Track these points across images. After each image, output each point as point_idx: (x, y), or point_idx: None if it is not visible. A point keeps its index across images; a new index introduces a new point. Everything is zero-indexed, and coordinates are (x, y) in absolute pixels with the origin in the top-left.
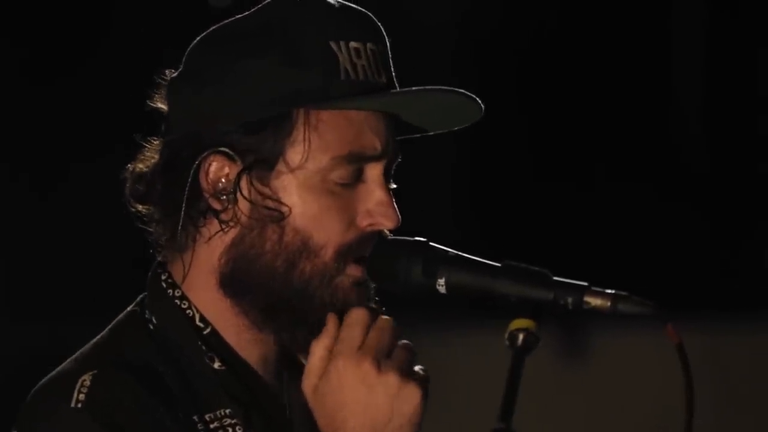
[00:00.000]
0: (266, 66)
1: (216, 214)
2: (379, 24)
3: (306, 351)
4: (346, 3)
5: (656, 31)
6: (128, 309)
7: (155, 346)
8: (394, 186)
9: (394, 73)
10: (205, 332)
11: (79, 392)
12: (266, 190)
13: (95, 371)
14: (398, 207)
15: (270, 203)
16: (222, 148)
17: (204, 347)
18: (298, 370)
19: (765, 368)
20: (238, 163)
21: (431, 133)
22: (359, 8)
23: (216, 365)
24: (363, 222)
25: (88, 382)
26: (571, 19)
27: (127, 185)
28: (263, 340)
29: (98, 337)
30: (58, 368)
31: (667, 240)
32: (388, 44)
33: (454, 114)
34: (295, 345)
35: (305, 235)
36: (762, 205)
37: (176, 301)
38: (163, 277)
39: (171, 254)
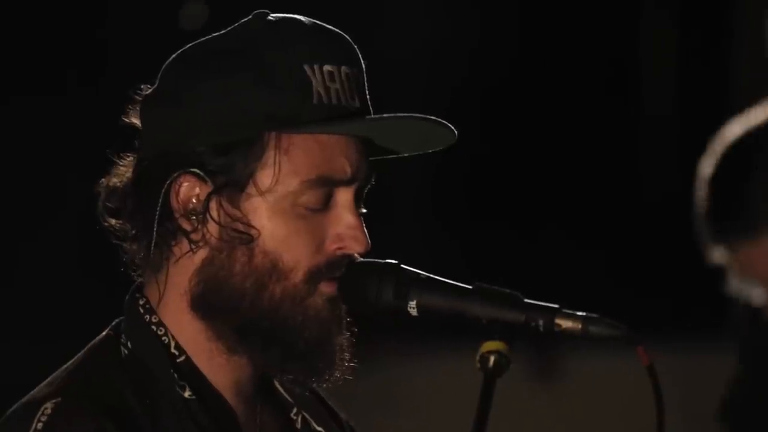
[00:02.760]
0: (239, 87)
1: (186, 234)
2: (355, 47)
3: (280, 373)
4: (322, 24)
5: (626, 74)
6: (103, 333)
7: (127, 373)
8: (365, 210)
9: (368, 96)
10: (179, 360)
11: (38, 421)
12: (236, 212)
13: (59, 399)
14: (369, 230)
15: (239, 226)
16: (193, 169)
17: (176, 375)
18: (272, 392)
19: None
20: (209, 183)
21: (405, 155)
22: (335, 30)
23: (186, 394)
24: (332, 246)
25: (49, 411)
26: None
27: (101, 200)
28: (236, 364)
29: (70, 361)
30: (30, 393)
31: (635, 263)
32: (363, 67)
33: (427, 138)
34: (269, 367)
35: (274, 257)
36: None
37: (153, 327)
38: (141, 302)
39: (146, 274)
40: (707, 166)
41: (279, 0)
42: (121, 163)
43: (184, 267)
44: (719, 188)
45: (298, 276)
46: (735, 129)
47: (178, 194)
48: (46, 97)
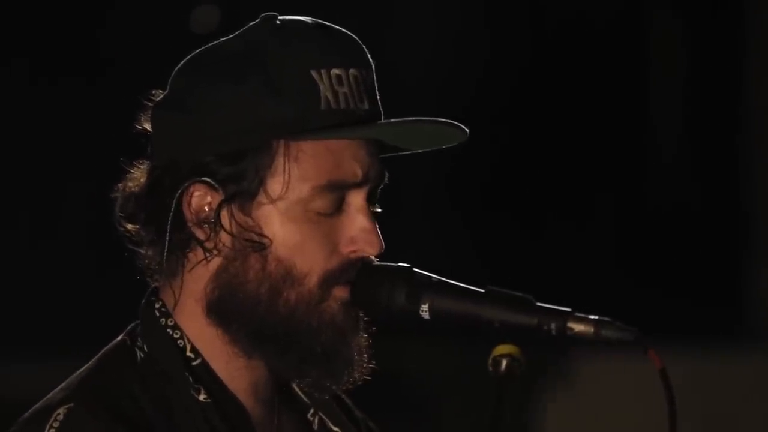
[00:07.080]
0: (246, 95)
1: (200, 242)
2: (363, 47)
3: (297, 377)
4: (329, 25)
5: (635, 82)
6: (118, 338)
7: (142, 377)
8: (379, 210)
9: (378, 96)
10: (194, 363)
11: (51, 427)
12: (248, 221)
13: (71, 404)
14: (382, 226)
15: (252, 235)
16: (204, 178)
17: (191, 379)
18: (290, 394)
19: (745, 393)
20: (220, 192)
21: (419, 151)
22: (342, 31)
23: (201, 397)
24: (346, 249)
25: (61, 416)
26: (550, 58)
27: (117, 205)
28: (253, 368)
29: (84, 366)
30: (43, 399)
31: (648, 267)
32: (372, 66)
33: (438, 137)
34: (286, 372)
35: (288, 264)
36: (742, 236)
37: (168, 330)
38: (157, 306)
39: (162, 280)
40: None
41: (291, 2)
42: (136, 169)
43: (199, 274)
44: None
45: (312, 281)
46: None
47: (190, 204)
48: (54, 105)
